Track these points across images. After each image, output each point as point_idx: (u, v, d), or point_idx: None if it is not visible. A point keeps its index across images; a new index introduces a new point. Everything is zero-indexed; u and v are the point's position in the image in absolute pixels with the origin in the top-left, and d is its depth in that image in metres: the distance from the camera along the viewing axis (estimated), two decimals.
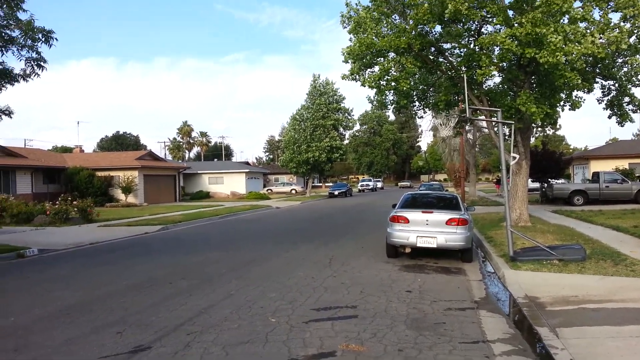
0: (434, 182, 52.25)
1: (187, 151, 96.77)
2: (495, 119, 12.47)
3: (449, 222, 10.68)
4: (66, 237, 17.02)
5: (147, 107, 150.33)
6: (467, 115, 11.30)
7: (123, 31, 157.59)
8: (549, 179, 29.90)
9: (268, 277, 9.55)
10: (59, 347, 5.70)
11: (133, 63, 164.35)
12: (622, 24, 12.56)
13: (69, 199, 23.72)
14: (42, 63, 13.33)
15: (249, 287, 8.63)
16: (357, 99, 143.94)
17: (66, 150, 62.50)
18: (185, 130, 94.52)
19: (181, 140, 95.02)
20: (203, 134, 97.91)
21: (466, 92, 10.70)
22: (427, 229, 10.74)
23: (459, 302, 7.56)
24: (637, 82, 15.16)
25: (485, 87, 16.88)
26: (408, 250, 11.28)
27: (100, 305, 7.63)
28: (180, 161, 77.25)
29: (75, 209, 22.85)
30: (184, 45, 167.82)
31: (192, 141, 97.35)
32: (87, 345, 5.76)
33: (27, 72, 13.33)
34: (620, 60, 15.44)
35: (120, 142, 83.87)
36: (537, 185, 30.24)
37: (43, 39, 13.06)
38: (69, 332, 6.25)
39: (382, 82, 15.16)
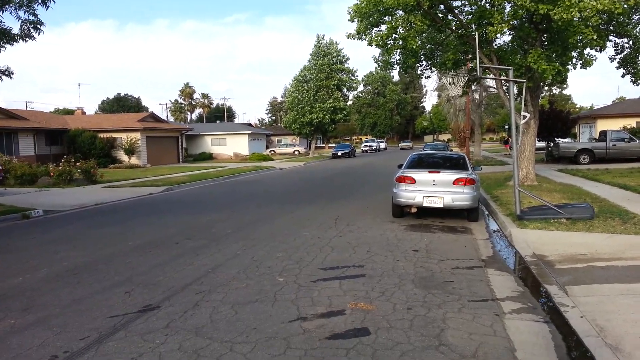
0: (439, 142, 51.85)
1: (189, 113, 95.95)
2: (506, 77, 12.15)
3: (456, 182, 10.57)
4: (70, 198, 17.01)
5: (148, 69, 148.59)
6: (478, 74, 10.98)
7: None
8: (555, 138, 29.58)
9: (274, 237, 9.54)
10: (67, 307, 5.71)
11: (132, 25, 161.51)
12: None
13: (72, 160, 23.63)
14: (38, 26, 13.14)
15: (255, 247, 8.62)
16: (361, 59, 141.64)
17: (68, 112, 61.92)
18: (187, 92, 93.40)
19: (183, 102, 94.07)
20: (205, 96, 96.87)
21: (478, 50, 10.34)
22: (434, 189, 10.64)
23: (466, 261, 7.53)
24: None
25: (495, 45, 16.42)
26: (414, 210, 11.22)
27: (106, 265, 7.64)
28: (182, 123, 76.76)
29: (79, 171, 22.79)
30: (183, 6, 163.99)
31: (193, 103, 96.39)
32: (95, 305, 5.77)
33: (25, 33, 13.12)
34: (636, 17, 14.90)
35: (122, 104, 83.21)
36: (543, 144, 29.95)
37: (40, 0, 12.77)
38: (76, 293, 6.26)
39: (389, 41, 14.73)
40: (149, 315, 5.36)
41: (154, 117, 44.85)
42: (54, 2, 12.93)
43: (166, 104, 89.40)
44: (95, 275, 7.07)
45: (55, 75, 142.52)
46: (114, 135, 37.58)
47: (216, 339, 4.69)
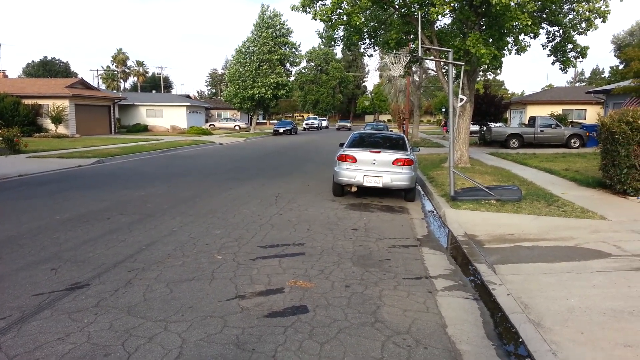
0: (379, 123, 52.65)
1: (122, 81, 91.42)
2: (445, 59, 12.42)
3: (395, 162, 10.77)
4: None
5: (78, 32, 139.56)
6: (419, 55, 11.14)
7: None
8: (488, 123, 30.84)
9: (212, 213, 9.34)
10: None
11: None
12: None
13: None
14: None
15: (192, 224, 8.41)
16: (304, 34, 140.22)
17: None
18: (120, 58, 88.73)
19: (116, 69, 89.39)
20: (140, 64, 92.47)
21: (420, 30, 10.49)
22: (374, 168, 10.80)
23: (402, 240, 7.73)
24: (580, 30, 15.48)
25: (436, 27, 16.73)
26: (354, 189, 11.36)
27: (31, 240, 7.18)
28: (114, 91, 73.00)
29: (0, 139, 21.26)
30: None
31: (127, 70, 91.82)
32: (18, 282, 5.42)
33: None
34: (566, 7, 15.65)
35: (49, 69, 77.77)
36: (476, 128, 31.14)
37: None
38: None
39: (333, 16, 14.63)
40: (78, 294, 5.10)
41: (84, 84, 42.36)
42: None
43: (97, 70, 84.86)
44: (18, 250, 6.64)
45: None
46: (40, 102, 35.17)
47: (150, 318, 4.54)
